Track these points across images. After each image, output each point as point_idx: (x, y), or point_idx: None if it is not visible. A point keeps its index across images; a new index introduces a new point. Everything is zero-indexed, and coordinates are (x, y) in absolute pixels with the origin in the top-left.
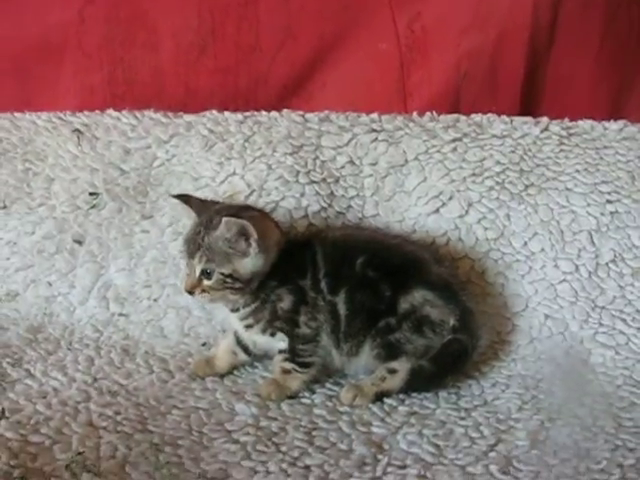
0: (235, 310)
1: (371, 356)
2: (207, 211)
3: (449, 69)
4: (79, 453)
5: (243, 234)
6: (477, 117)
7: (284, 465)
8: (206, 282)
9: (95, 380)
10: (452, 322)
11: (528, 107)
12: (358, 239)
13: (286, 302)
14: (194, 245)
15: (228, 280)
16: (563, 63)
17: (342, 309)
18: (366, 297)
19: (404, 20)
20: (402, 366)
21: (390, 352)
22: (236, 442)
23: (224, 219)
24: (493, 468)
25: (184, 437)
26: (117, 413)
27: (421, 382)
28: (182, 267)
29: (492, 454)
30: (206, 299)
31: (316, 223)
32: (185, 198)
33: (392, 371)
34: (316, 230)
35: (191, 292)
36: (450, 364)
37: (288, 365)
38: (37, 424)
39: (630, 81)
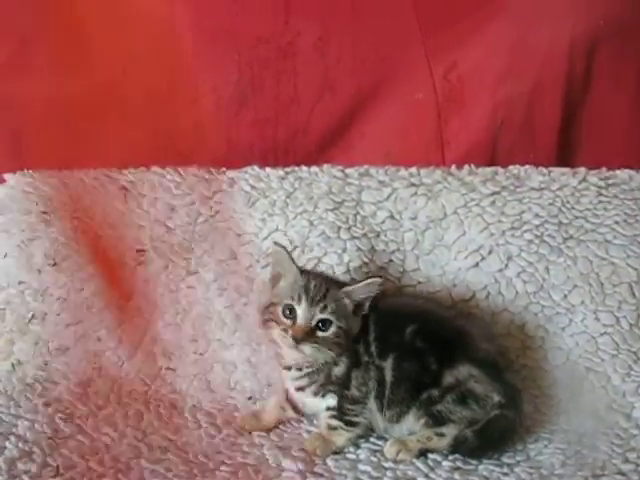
0: (288, 368)
1: (418, 424)
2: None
3: (486, 118)
4: None
5: (370, 296)
6: (515, 169)
7: None
8: (320, 333)
9: (145, 435)
10: (497, 399)
11: (565, 154)
12: (410, 307)
13: (341, 367)
14: (318, 294)
15: (341, 334)
16: (600, 108)
17: (388, 375)
18: (412, 367)
19: (440, 70)
20: (449, 432)
21: (437, 420)
22: None
23: (373, 279)
24: None
25: None
26: (168, 470)
27: (464, 451)
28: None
29: None
30: (313, 350)
31: (358, 279)
32: (287, 250)
33: (440, 434)
34: None
35: (300, 340)
36: (496, 439)
37: (335, 422)
38: None
39: None
